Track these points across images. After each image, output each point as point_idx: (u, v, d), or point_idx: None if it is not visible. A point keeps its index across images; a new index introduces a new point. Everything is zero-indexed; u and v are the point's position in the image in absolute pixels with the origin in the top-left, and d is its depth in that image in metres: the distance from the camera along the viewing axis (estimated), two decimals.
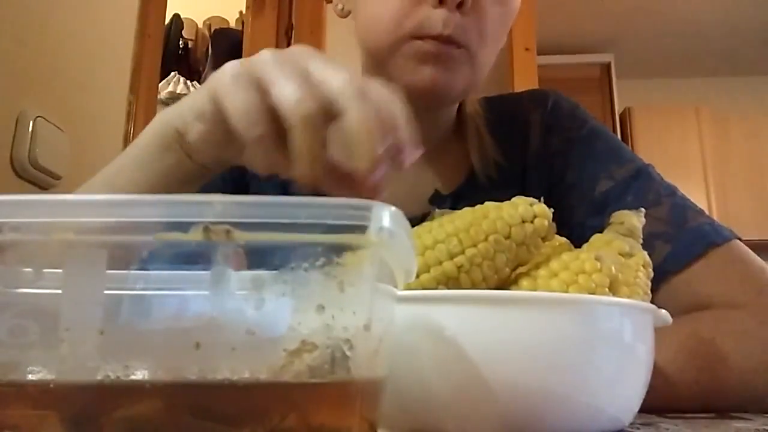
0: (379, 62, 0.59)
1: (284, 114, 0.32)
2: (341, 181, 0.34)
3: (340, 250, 0.20)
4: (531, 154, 0.68)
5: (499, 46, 0.62)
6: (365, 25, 0.61)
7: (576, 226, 0.61)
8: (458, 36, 0.55)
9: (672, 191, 0.60)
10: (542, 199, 0.37)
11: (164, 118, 0.41)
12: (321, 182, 0.33)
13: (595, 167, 0.63)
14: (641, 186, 0.60)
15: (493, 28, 0.58)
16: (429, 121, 0.63)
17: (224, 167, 0.42)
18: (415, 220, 0.38)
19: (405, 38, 0.56)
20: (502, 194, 0.62)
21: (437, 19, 0.54)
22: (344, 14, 0.66)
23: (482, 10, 0.57)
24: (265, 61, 0.34)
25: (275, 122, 0.33)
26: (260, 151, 0.33)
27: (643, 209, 0.43)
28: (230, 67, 0.35)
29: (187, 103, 0.40)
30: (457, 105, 0.70)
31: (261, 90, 0.33)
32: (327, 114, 0.32)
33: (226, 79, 0.34)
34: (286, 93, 0.32)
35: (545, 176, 0.67)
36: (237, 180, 0.66)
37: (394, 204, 0.22)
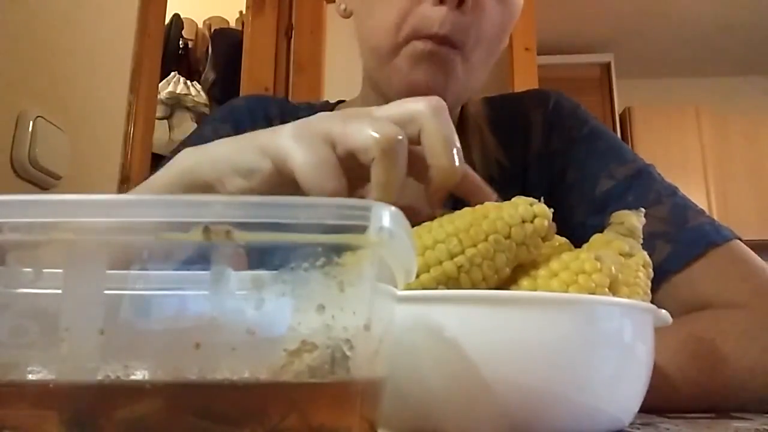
0: (380, 64, 0.60)
1: (363, 151, 0.32)
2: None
3: (340, 250, 0.20)
4: (532, 153, 0.69)
5: (497, 49, 0.62)
6: (368, 27, 0.61)
7: (577, 225, 0.61)
8: (454, 36, 0.55)
9: (673, 191, 0.60)
10: (542, 198, 0.37)
11: (189, 164, 0.39)
12: None
13: (596, 166, 0.63)
14: (642, 186, 0.60)
15: (491, 30, 0.58)
16: None
17: None
18: None
19: (405, 41, 0.57)
20: (503, 193, 0.62)
21: (435, 18, 0.55)
22: (347, 15, 0.66)
23: (482, 11, 0.57)
24: (325, 117, 0.34)
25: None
26: None
27: (643, 209, 0.43)
28: (289, 127, 0.34)
29: (223, 154, 0.37)
30: (460, 106, 0.70)
31: (329, 142, 0.33)
32: (405, 140, 0.32)
33: (287, 139, 0.33)
34: (363, 132, 0.32)
35: (546, 176, 0.67)
36: None
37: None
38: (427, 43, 0.55)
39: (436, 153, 0.32)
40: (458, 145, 0.35)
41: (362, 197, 0.33)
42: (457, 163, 0.32)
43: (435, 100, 0.33)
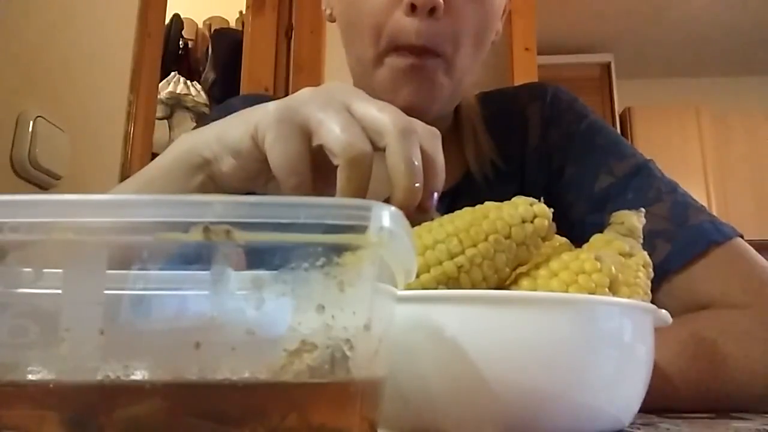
0: (365, 73, 0.60)
1: (332, 153, 0.33)
2: None
3: (340, 250, 0.20)
4: (530, 149, 0.68)
5: (481, 48, 0.61)
6: (349, 36, 0.62)
7: (576, 222, 0.61)
8: (433, 45, 0.55)
9: (673, 188, 0.60)
10: (542, 198, 0.37)
11: (189, 145, 0.41)
12: None
13: (594, 163, 0.63)
14: (642, 183, 0.60)
15: (470, 31, 0.58)
16: (424, 120, 0.63)
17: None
18: None
19: (385, 52, 0.56)
20: (501, 190, 0.62)
21: (410, 29, 0.54)
22: (332, 19, 0.67)
23: (457, 14, 0.56)
24: (307, 101, 0.35)
25: (314, 163, 0.34)
26: (296, 194, 0.34)
27: (643, 209, 0.43)
28: (274, 109, 0.35)
29: (216, 134, 0.39)
30: (452, 107, 0.69)
31: (304, 135, 0.34)
32: (372, 152, 0.34)
33: (270, 122, 0.35)
34: (334, 135, 0.33)
35: (544, 171, 0.67)
36: None
37: None
38: (408, 57, 0.55)
39: (397, 174, 0.33)
40: (436, 164, 0.36)
41: (331, 193, 0.34)
42: (416, 185, 0.33)
43: (405, 121, 0.34)
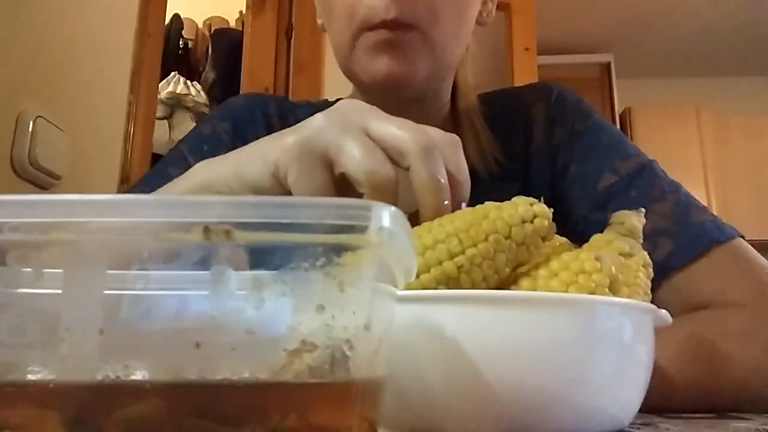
0: (344, 63, 0.60)
1: (356, 182, 0.33)
2: None
3: (340, 250, 0.20)
4: (534, 147, 0.68)
5: (463, 22, 0.61)
6: (328, 31, 0.62)
7: (579, 220, 0.61)
8: (406, 17, 0.55)
9: (676, 187, 0.60)
10: (543, 198, 0.37)
11: (204, 180, 0.40)
12: None
13: (599, 161, 0.63)
14: (645, 182, 0.60)
15: (447, 2, 0.57)
16: (418, 115, 0.63)
17: None
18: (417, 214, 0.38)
19: (358, 31, 0.57)
20: (504, 187, 0.62)
21: (379, 6, 0.54)
22: (325, 29, 0.67)
23: None
24: (323, 129, 0.34)
25: (338, 187, 0.34)
26: None
27: (643, 209, 0.43)
28: (292, 143, 0.35)
29: (233, 170, 0.38)
30: (449, 99, 0.69)
31: (326, 165, 0.34)
32: (396, 178, 0.33)
33: (290, 158, 0.34)
34: (355, 162, 0.33)
35: (548, 169, 0.67)
36: None
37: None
38: (381, 32, 0.55)
39: (424, 195, 0.33)
40: (461, 175, 0.36)
41: None
42: (445, 203, 0.33)
43: (425, 137, 0.34)
